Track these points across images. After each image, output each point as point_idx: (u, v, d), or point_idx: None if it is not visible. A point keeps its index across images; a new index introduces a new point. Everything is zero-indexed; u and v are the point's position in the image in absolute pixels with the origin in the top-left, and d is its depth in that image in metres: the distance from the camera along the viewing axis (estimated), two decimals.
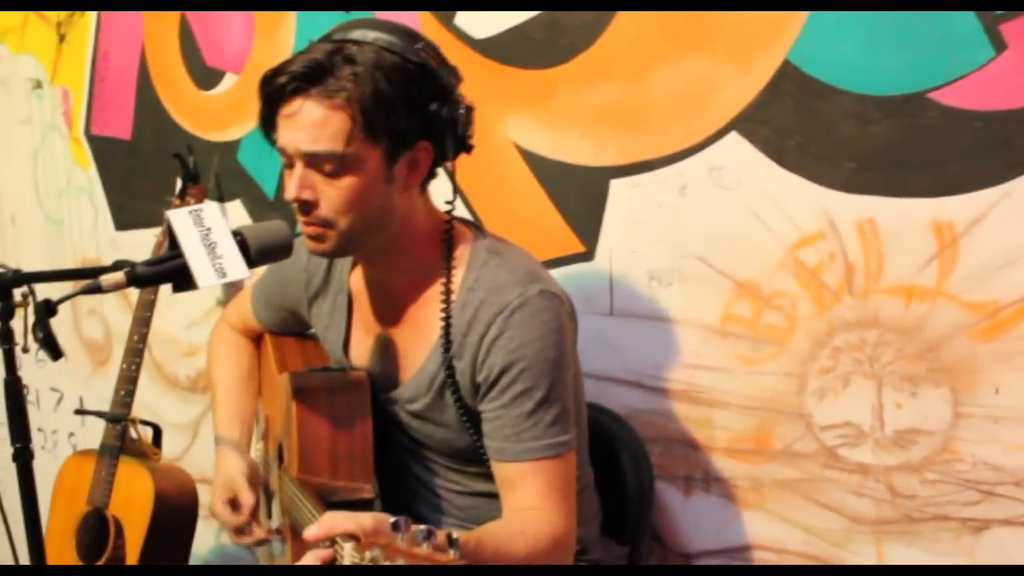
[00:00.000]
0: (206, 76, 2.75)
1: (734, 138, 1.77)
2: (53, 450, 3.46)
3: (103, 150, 3.11)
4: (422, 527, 1.06)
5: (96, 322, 3.22)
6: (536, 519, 1.45)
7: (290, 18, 2.46)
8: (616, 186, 1.93)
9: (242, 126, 2.67)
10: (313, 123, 1.41)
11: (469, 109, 1.49)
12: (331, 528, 1.16)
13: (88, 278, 1.35)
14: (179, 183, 2.65)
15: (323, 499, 1.51)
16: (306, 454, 1.56)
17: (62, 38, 3.15)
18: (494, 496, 1.54)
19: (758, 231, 1.76)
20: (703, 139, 1.81)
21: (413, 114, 1.44)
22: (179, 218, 1.35)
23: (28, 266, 3.34)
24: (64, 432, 3.43)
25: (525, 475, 1.48)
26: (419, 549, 1.05)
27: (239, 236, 1.37)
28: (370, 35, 1.43)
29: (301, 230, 1.50)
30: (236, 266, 1.34)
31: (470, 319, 1.50)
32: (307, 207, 1.45)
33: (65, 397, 3.41)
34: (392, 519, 1.08)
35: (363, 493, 1.55)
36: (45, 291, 1.31)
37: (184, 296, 2.81)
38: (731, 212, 1.79)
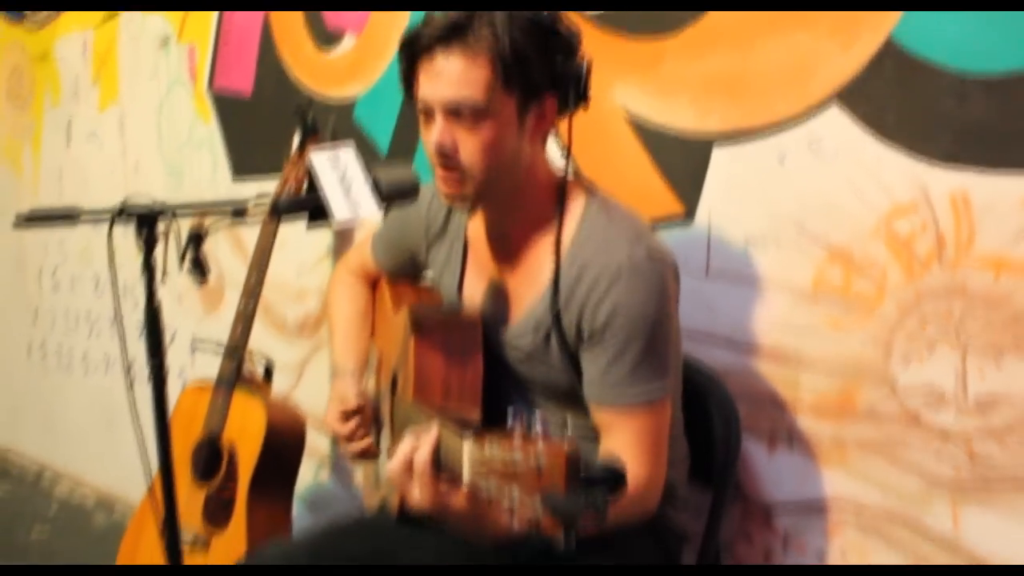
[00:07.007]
0: (326, 36, 2.81)
1: (834, 111, 1.81)
2: None
3: (224, 105, 3.20)
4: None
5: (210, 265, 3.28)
6: None
7: None
8: (718, 152, 1.99)
9: (359, 84, 2.74)
10: (456, 74, 1.53)
11: (590, 64, 1.61)
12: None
13: (226, 213, 1.52)
14: (296, 138, 2.74)
15: None
16: (421, 382, 1.66)
17: None
18: (595, 437, 1.64)
19: (853, 201, 1.80)
20: (804, 111, 1.86)
21: (544, 67, 1.56)
22: (320, 158, 1.50)
23: None
24: (175, 369, 3.49)
25: (617, 420, 1.59)
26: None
27: (373, 177, 1.52)
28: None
29: (439, 181, 1.62)
30: (369, 204, 1.48)
31: (578, 274, 1.60)
32: (447, 155, 1.57)
33: (178, 336, 3.48)
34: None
35: (471, 416, 1.65)
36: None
37: (295, 242, 2.91)
38: (828, 182, 1.83)
